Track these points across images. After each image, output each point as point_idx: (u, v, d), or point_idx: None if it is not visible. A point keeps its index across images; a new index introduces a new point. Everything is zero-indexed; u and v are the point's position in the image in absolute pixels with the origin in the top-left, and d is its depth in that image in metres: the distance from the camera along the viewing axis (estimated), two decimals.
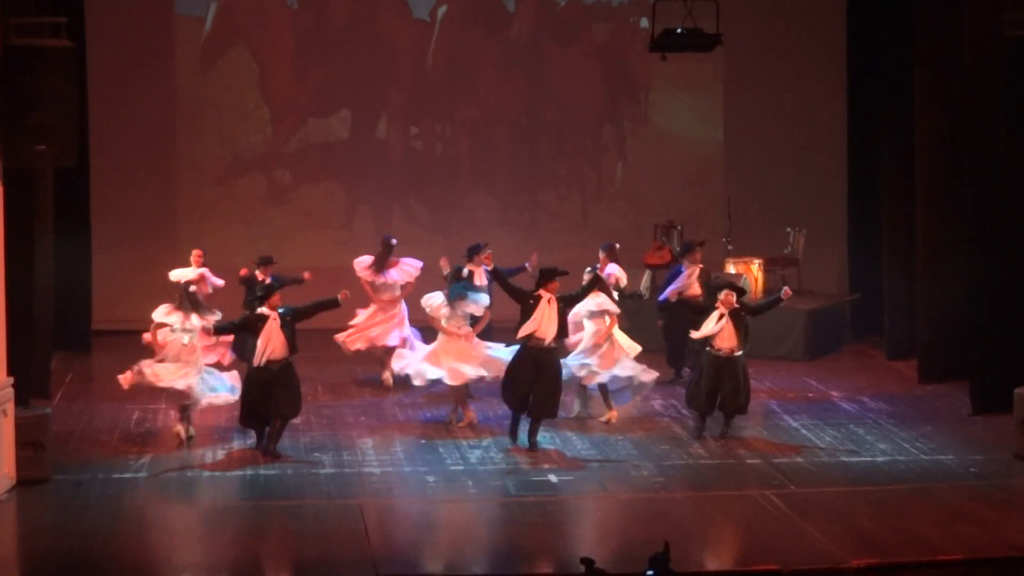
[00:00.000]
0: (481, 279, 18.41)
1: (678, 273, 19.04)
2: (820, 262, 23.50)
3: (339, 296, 16.20)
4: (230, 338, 17.97)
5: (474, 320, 17.26)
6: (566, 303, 16.57)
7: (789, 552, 12.99)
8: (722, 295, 16.66)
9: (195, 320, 16.34)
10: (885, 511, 14.12)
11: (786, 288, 17.44)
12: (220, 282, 19.07)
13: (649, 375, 17.42)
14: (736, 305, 16.61)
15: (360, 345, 19.28)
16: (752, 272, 21.77)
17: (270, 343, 15.78)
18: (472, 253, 18.69)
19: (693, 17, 19.60)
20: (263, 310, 15.94)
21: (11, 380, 14.77)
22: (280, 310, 15.94)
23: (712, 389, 16.56)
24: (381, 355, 19.36)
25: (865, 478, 15.24)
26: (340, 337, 19.26)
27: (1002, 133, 16.97)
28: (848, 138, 23.92)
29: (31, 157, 14.82)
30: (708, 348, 16.65)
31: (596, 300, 17.15)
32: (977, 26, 17.86)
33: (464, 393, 17.44)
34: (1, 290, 14.66)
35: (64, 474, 15.12)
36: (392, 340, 19.10)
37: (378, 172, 24.07)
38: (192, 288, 16.90)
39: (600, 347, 17.29)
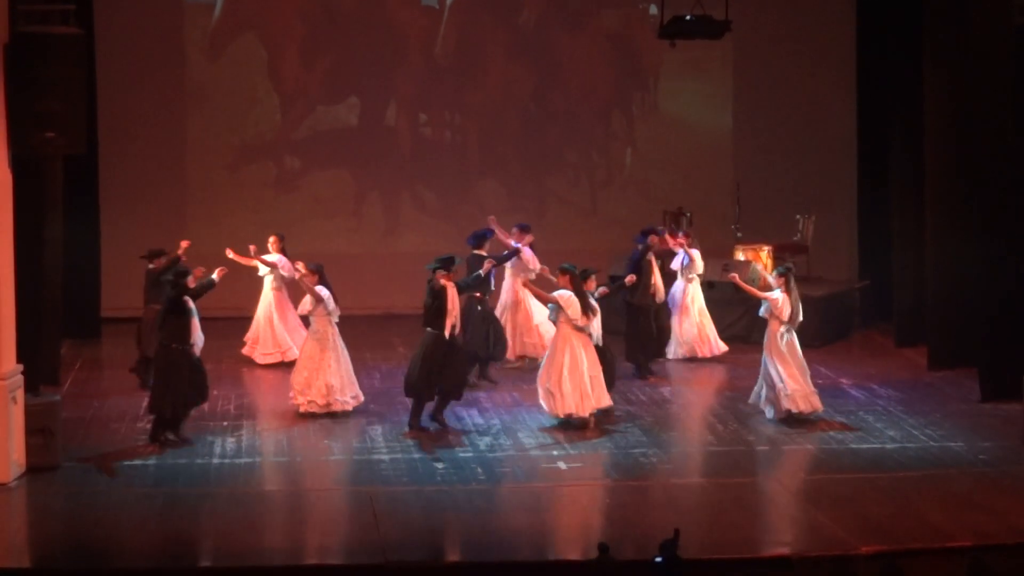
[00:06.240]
0: None
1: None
2: (829, 249, 23.45)
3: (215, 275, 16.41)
4: None
5: None
6: None
7: (798, 539, 13.00)
8: None
9: None
10: (894, 498, 14.11)
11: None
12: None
13: None
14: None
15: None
16: (761, 259, 21.71)
17: None
18: None
19: (702, 4, 19.58)
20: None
21: (20, 367, 14.78)
22: None
23: None
24: None
25: (874, 465, 15.22)
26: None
27: (1011, 119, 16.95)
28: (857, 125, 23.87)
29: (40, 144, 14.82)
30: None
31: None
32: (986, 12, 17.83)
33: None
34: (11, 277, 14.67)
35: (73, 461, 15.15)
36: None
37: (387, 159, 24.04)
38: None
39: None
